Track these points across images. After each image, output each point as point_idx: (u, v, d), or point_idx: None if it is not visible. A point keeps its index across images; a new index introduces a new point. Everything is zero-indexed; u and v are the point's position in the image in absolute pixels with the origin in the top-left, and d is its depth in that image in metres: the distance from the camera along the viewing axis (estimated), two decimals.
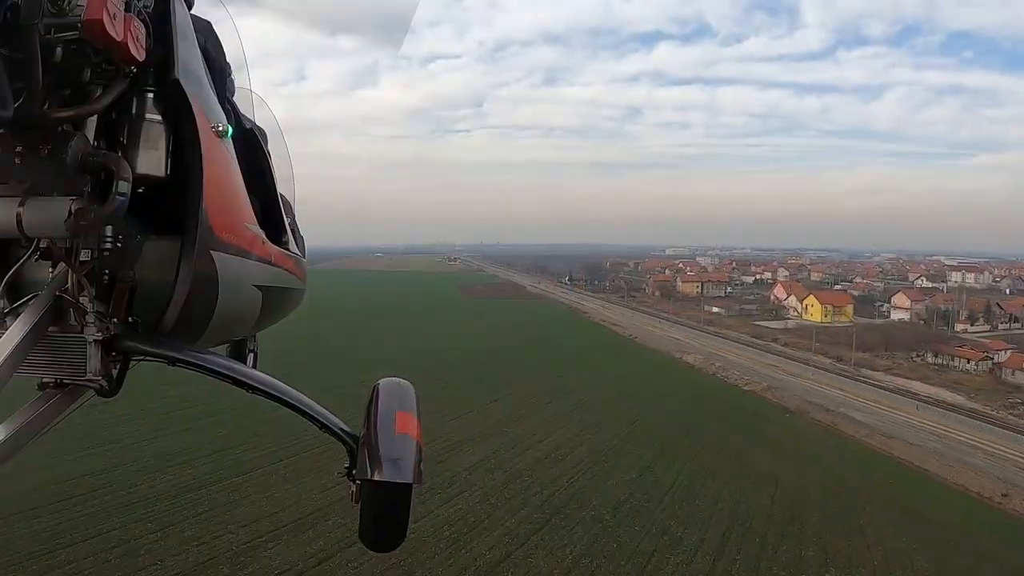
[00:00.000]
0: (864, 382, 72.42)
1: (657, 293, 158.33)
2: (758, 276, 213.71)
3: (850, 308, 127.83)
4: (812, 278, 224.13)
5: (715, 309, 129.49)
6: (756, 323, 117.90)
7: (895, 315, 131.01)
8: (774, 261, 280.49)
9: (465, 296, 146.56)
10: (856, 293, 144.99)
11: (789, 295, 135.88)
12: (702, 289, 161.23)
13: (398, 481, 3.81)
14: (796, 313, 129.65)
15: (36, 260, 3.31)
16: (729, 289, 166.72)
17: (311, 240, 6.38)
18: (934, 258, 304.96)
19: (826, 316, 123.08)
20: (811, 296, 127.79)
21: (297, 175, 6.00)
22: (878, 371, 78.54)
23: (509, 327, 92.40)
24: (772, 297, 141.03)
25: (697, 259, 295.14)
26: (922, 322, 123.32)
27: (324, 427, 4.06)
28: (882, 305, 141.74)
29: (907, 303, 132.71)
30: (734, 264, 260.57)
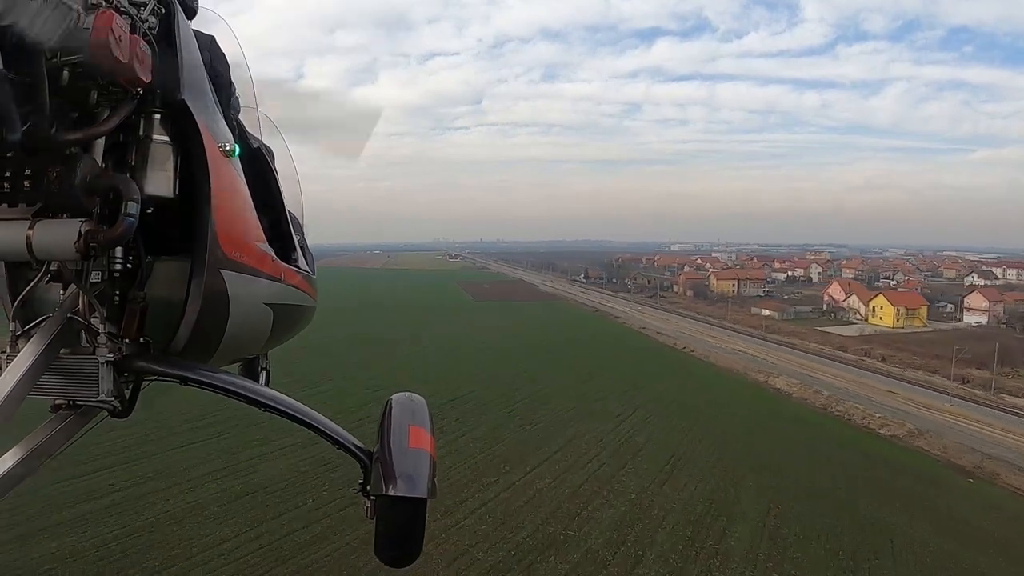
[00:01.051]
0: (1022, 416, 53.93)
1: (689, 292, 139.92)
2: (790, 272, 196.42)
3: (924, 310, 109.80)
4: (844, 275, 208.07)
5: (765, 312, 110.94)
6: (820, 329, 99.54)
7: (968, 317, 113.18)
8: (794, 256, 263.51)
9: (474, 297, 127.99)
10: (920, 292, 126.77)
11: (849, 295, 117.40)
12: (738, 287, 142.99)
13: (413, 496, 3.72)
14: (859, 316, 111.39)
15: (47, 282, 3.29)
16: (767, 287, 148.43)
17: (310, 238, 6.01)
18: (944, 253, 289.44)
19: (898, 320, 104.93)
20: (880, 297, 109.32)
21: (299, 176, 5.63)
22: (1020, 397, 60.10)
23: (533, 338, 73.85)
24: (826, 297, 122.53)
25: (714, 254, 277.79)
26: (1003, 325, 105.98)
27: (337, 443, 3.96)
28: (945, 306, 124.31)
29: (983, 304, 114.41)
30: (755, 259, 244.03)
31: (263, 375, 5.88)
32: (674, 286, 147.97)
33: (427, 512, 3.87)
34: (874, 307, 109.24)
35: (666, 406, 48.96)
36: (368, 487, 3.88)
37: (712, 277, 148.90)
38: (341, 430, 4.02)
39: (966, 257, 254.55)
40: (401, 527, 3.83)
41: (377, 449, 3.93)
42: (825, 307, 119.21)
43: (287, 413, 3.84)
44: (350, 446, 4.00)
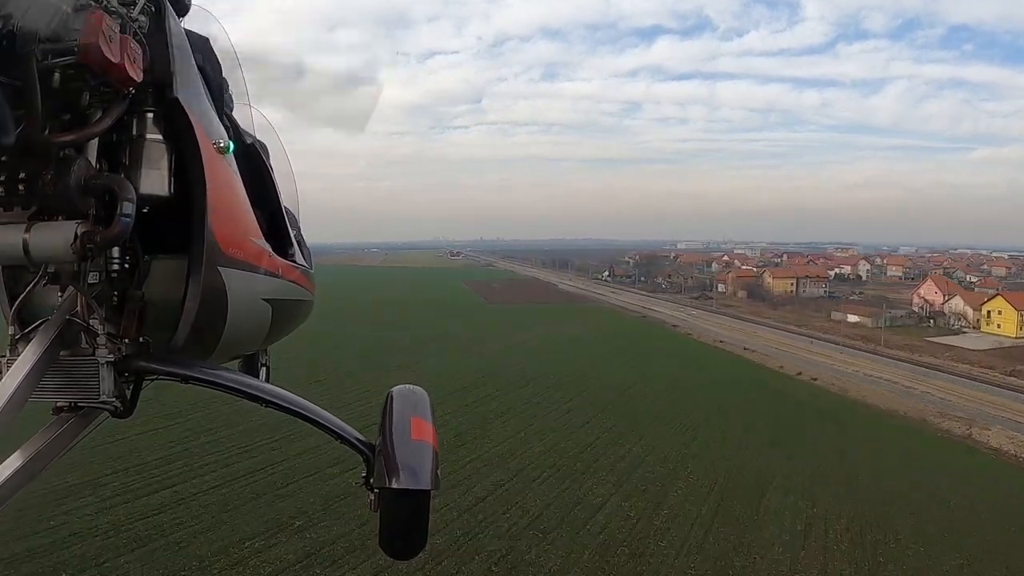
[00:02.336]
0: None
1: (741, 293, 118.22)
2: (836, 270, 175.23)
3: None
4: (890, 273, 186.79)
5: (853, 317, 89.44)
6: (932, 340, 78.50)
7: None
8: (816, 255, 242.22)
9: (486, 300, 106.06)
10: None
11: (949, 298, 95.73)
12: (797, 287, 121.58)
13: (416, 488, 3.70)
14: (966, 322, 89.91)
15: (45, 285, 3.28)
16: (826, 287, 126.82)
17: (309, 236, 5.91)
18: (958, 251, 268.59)
19: (1021, 328, 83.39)
20: (998, 299, 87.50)
21: (296, 173, 5.61)
22: None
23: (581, 362, 52.10)
24: (916, 299, 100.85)
25: (736, 251, 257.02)
26: None
27: (339, 437, 3.94)
28: None
29: None
30: (786, 256, 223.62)
31: (263, 371, 5.71)
32: (719, 285, 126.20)
33: (431, 504, 3.77)
34: (988, 312, 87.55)
35: (869, 504, 27.32)
36: (371, 480, 3.82)
37: (767, 276, 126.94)
38: (343, 424, 3.96)
39: (992, 256, 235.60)
40: (405, 519, 3.77)
41: (379, 442, 3.86)
42: (916, 310, 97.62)
43: (289, 408, 3.79)
44: (352, 440, 3.94)
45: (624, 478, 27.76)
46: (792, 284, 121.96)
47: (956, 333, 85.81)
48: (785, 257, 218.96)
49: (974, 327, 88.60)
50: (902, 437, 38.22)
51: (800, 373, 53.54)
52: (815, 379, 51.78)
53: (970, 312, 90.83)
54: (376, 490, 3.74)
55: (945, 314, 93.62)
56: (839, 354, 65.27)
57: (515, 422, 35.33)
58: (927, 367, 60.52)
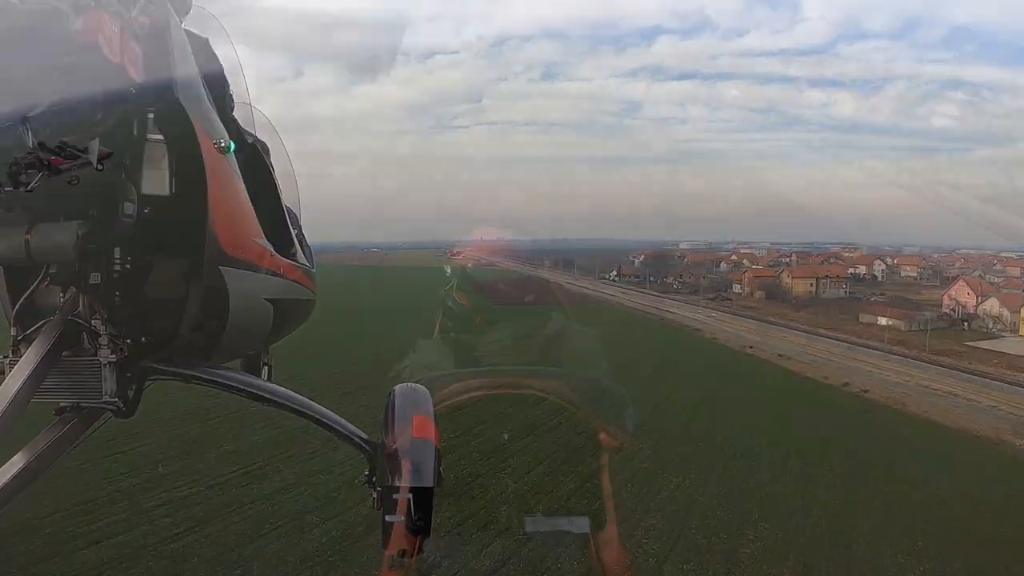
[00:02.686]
0: None
1: (759, 293, 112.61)
2: (852, 270, 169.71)
3: None
4: (904, 274, 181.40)
5: (883, 320, 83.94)
6: (977, 345, 73.35)
7: None
8: (823, 254, 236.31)
9: (490, 301, 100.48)
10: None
11: (982, 300, 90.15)
12: (816, 287, 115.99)
13: (419, 486, 3.58)
14: (1002, 326, 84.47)
15: (47, 286, 3.23)
16: (846, 287, 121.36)
17: (309, 236, 5.88)
18: (961, 251, 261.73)
19: None
20: None
21: (295, 173, 5.51)
22: None
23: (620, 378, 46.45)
24: (947, 300, 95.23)
25: (741, 251, 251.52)
26: None
27: (342, 436, 3.95)
28: None
29: None
30: (794, 256, 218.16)
31: (265, 370, 5.60)
32: (735, 285, 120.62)
33: (433, 501, 3.60)
34: None
35: (979, 558, 21.83)
36: (374, 478, 3.77)
37: (786, 275, 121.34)
38: (345, 423, 3.96)
39: (1001, 255, 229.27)
40: (408, 517, 3.60)
41: (382, 440, 3.81)
42: (948, 312, 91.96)
43: (291, 407, 3.76)
44: (355, 438, 3.94)
45: (677, 528, 22.19)
46: (812, 284, 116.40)
47: (994, 337, 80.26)
48: (793, 257, 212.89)
49: (1012, 331, 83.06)
50: (983, 462, 32.68)
51: (847, 384, 47.86)
52: (865, 391, 46.15)
53: (1007, 314, 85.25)
54: (379, 488, 3.72)
55: (980, 316, 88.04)
56: (883, 361, 59.27)
57: (534, 448, 29.80)
58: (982, 376, 54.67)
